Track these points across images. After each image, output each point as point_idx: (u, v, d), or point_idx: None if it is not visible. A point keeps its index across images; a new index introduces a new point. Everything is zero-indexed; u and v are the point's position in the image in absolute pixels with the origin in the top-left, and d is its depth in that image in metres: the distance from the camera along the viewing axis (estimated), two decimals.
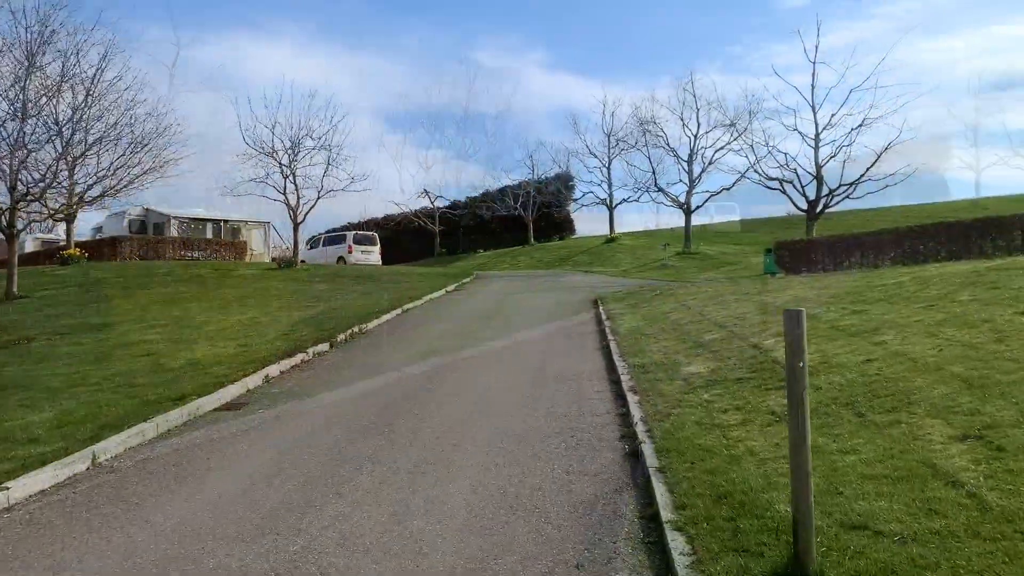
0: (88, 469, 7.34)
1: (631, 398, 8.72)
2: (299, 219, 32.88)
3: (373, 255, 41.06)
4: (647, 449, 6.65)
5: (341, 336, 15.39)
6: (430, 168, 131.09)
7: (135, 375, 12.00)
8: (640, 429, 7.32)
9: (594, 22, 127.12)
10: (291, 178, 32.37)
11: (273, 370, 12.08)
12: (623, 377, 10.00)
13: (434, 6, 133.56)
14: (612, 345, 12.85)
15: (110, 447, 7.84)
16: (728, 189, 41.51)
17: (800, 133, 32.68)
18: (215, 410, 9.78)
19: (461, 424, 8.35)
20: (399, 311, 19.82)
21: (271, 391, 10.83)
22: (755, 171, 34.75)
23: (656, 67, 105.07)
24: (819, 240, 24.70)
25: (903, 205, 50.59)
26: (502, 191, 59.04)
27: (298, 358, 13.14)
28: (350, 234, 42.21)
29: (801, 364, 4.19)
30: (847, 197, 31.84)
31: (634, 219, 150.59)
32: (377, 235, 43.24)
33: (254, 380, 11.33)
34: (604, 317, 16.78)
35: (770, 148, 33.53)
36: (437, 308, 20.78)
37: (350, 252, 40.37)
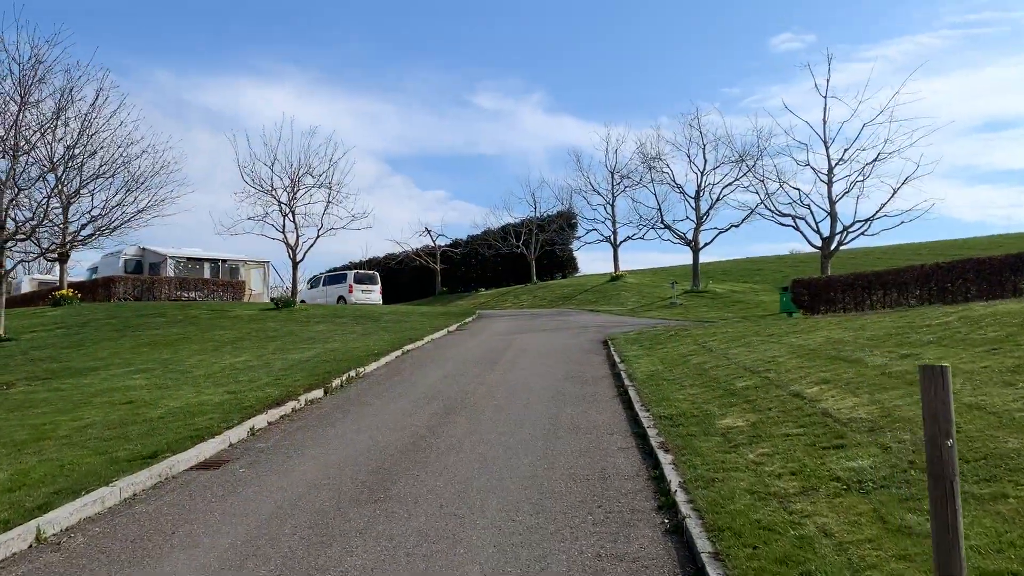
0: (30, 547, 6.22)
1: (663, 457, 7.61)
2: (298, 258, 31.97)
3: (374, 294, 40.09)
4: (693, 525, 5.54)
5: (336, 381, 14.29)
6: (432, 207, 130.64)
7: (110, 427, 10.93)
8: (681, 499, 6.21)
9: (592, 66, 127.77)
10: (290, 216, 31.53)
11: (260, 421, 10.98)
12: (649, 431, 8.89)
13: (436, 50, 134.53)
14: (631, 392, 11.75)
15: (61, 518, 6.72)
16: (737, 226, 40.60)
17: (813, 168, 31.87)
18: (190, 469, 8.68)
19: (467, 488, 7.24)
20: (399, 352, 18.74)
21: (256, 446, 9.72)
22: (766, 207, 33.81)
23: (655, 109, 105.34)
24: (838, 278, 23.68)
25: (911, 243, 49.72)
26: (504, 229, 58.24)
27: (289, 406, 12.04)
28: (351, 273, 41.28)
29: (950, 443, 3.09)
30: (862, 234, 30.96)
31: (637, 258, 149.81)
32: (378, 274, 42.29)
33: (238, 433, 10.23)
34: (618, 360, 15.69)
35: (782, 183, 32.64)
36: (439, 349, 19.69)
37: (351, 292, 39.40)
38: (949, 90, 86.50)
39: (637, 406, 10.66)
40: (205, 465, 8.87)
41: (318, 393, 13.25)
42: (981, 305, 13.78)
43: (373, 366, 16.52)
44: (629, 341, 18.83)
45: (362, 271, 42.99)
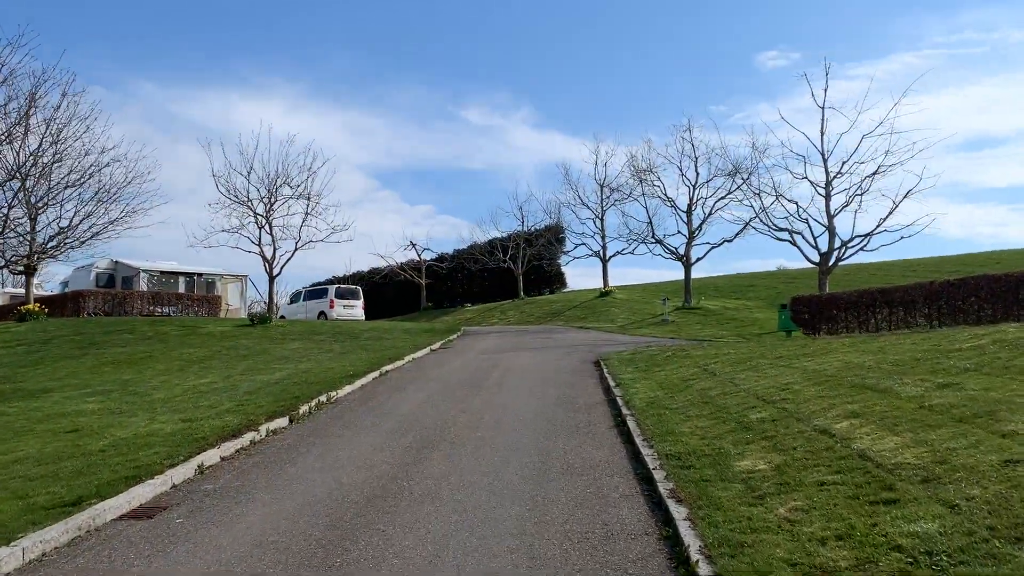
0: None
1: (676, 510, 6.38)
2: (275, 272, 30.64)
3: (356, 310, 38.76)
4: None
5: (305, 407, 13.01)
6: (419, 222, 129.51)
7: (42, 461, 9.66)
8: (704, 573, 4.98)
9: (579, 85, 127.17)
10: (267, 228, 30.19)
11: (212, 456, 9.69)
12: (656, 473, 7.68)
13: (425, 65, 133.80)
14: (630, 423, 10.54)
15: None
16: (730, 241, 39.55)
17: (810, 181, 30.84)
18: (119, 519, 7.39)
19: (442, 550, 5.99)
20: (376, 374, 17.46)
21: (202, 487, 8.44)
22: (762, 221, 32.75)
23: (643, 127, 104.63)
24: (841, 295, 22.59)
25: (905, 259, 48.89)
26: (491, 243, 57.05)
27: (247, 438, 10.75)
28: (332, 288, 39.93)
29: None
30: (861, 249, 29.94)
31: (626, 273, 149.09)
32: (360, 289, 40.97)
33: (183, 471, 8.94)
34: (612, 383, 14.48)
35: (778, 195, 31.60)
36: (420, 370, 18.42)
37: (332, 307, 38.06)
38: (934, 109, 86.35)
39: (638, 440, 9.44)
40: (137, 514, 7.57)
41: (282, 422, 11.97)
42: (1014, 327, 12.67)
43: (347, 390, 15.23)
44: (623, 362, 17.63)
45: (344, 286, 41.67)
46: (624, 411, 11.56)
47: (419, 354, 22.09)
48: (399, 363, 19.64)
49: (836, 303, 22.36)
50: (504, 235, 57.37)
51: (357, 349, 23.27)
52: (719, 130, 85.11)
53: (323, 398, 13.96)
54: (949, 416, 7.50)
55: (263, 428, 11.34)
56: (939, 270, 43.53)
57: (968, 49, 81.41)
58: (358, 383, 16.02)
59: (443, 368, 18.61)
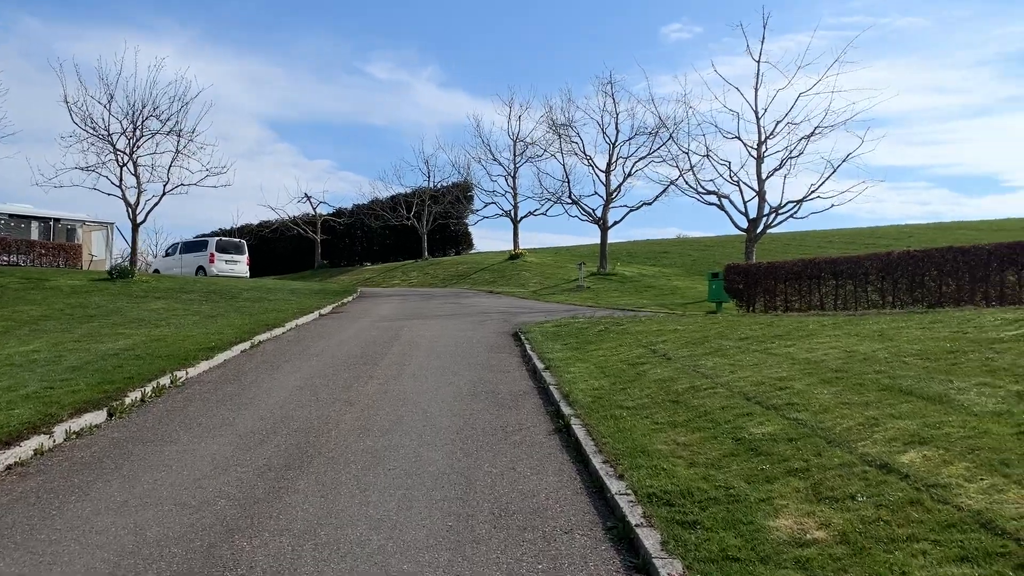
0: None
1: None
2: (139, 219, 26.38)
3: (240, 265, 34.77)
4: None
5: (135, 394, 9.68)
6: (319, 177, 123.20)
7: None
8: None
9: (486, 50, 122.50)
10: (129, 167, 25.86)
11: None
12: (645, 541, 4.87)
13: (328, 15, 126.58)
14: (578, 429, 7.74)
15: None
16: (650, 204, 37.28)
17: (742, 141, 28.65)
18: None
19: None
20: (247, 345, 14.12)
21: None
22: (686, 182, 30.44)
23: (558, 86, 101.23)
24: (783, 264, 20.41)
25: (817, 231, 48.07)
26: (394, 199, 53.23)
27: (29, 447, 7.42)
28: (212, 240, 35.72)
29: None
30: (791, 216, 28.05)
31: (536, 238, 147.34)
32: (245, 243, 36.86)
33: None
34: (540, 365, 11.69)
35: (708, 152, 29.28)
36: (302, 341, 15.15)
37: (212, 262, 33.96)
38: (825, 88, 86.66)
39: (596, 461, 6.65)
40: None
41: (95, 417, 8.64)
42: None
43: (203, 367, 11.89)
44: (547, 336, 14.85)
45: (226, 239, 37.48)
46: (564, 408, 8.76)
47: (304, 320, 18.73)
48: (278, 331, 16.29)
49: (777, 273, 20.19)
50: (408, 191, 53.75)
51: (231, 312, 19.68)
52: (648, 81, 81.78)
53: (166, 380, 10.63)
54: None
55: (61, 428, 8.01)
56: (854, 242, 42.69)
57: (856, 32, 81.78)
58: (220, 357, 12.67)
59: (331, 339, 15.39)
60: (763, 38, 28.76)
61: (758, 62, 28.32)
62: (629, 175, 37.50)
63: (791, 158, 27.72)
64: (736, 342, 11.43)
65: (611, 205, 37.68)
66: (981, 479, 4.86)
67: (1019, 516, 4.30)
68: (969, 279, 15.86)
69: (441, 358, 12.95)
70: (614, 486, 5.93)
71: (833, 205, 28.18)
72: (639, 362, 11.06)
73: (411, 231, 52.60)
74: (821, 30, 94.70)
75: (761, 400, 7.72)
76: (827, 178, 26.90)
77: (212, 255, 33.90)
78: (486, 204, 48.80)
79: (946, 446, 5.51)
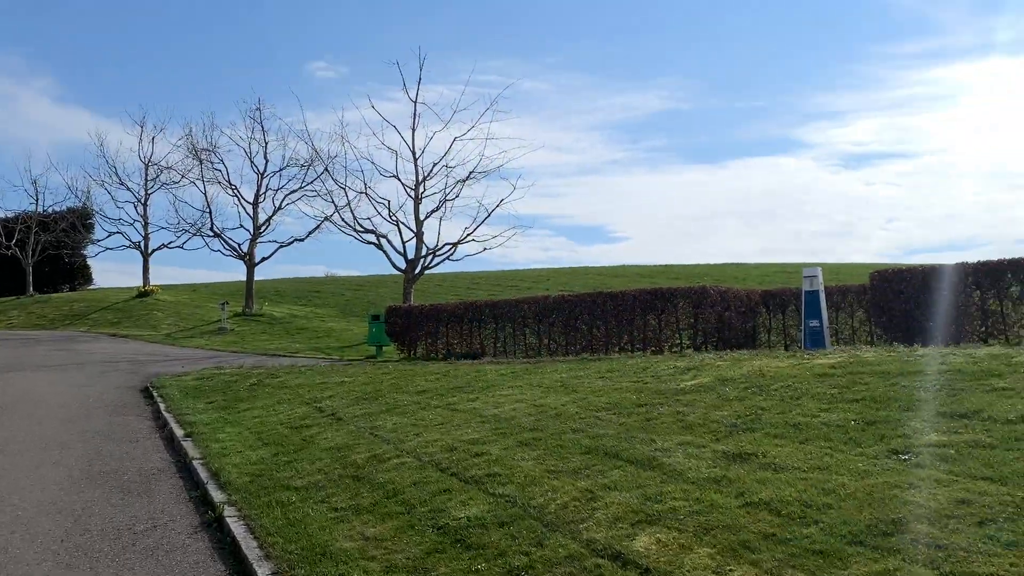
0: None
1: None
2: None
3: None
4: None
5: None
6: None
7: None
8: None
9: (112, 61, 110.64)
10: None
11: None
12: None
13: None
14: (234, 525, 6.05)
15: None
16: (302, 240, 35.36)
17: (400, 181, 28.22)
18: None
19: None
20: None
21: None
22: (343, 220, 29.22)
23: (191, 114, 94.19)
24: (445, 307, 20.06)
25: (465, 272, 49.88)
26: None
27: None
28: None
29: None
30: (447, 258, 28.21)
31: (169, 273, 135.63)
32: None
33: None
34: (180, 433, 9.61)
35: (367, 189, 28.31)
36: None
37: None
38: (479, 135, 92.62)
39: (263, 571, 5.08)
40: None
41: None
42: (711, 356, 10.79)
43: None
44: (188, 392, 12.61)
45: None
46: (214, 492, 6.98)
47: None
48: None
49: (439, 315, 19.78)
50: (9, 215, 45.62)
51: None
52: (303, 112, 78.34)
53: None
54: (790, 519, 4.61)
55: None
56: (499, 284, 44.83)
57: (490, 90, 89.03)
58: None
59: None
60: (419, 79, 28.80)
61: (415, 102, 28.33)
62: (279, 208, 35.43)
63: (448, 200, 27.99)
64: (414, 396, 10.40)
65: (259, 240, 35.20)
66: (730, 570, 4.24)
67: None
68: (616, 323, 16.69)
69: (44, 424, 10.19)
70: None
71: (485, 248, 28.74)
72: (304, 424, 9.51)
73: (13, 262, 44.58)
74: (458, 84, 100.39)
75: (458, 471, 6.69)
76: (482, 222, 27.56)
77: None
78: (110, 234, 42.89)
79: (677, 525, 4.88)
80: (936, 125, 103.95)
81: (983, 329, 12.87)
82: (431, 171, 27.83)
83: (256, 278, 36.30)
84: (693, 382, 8.59)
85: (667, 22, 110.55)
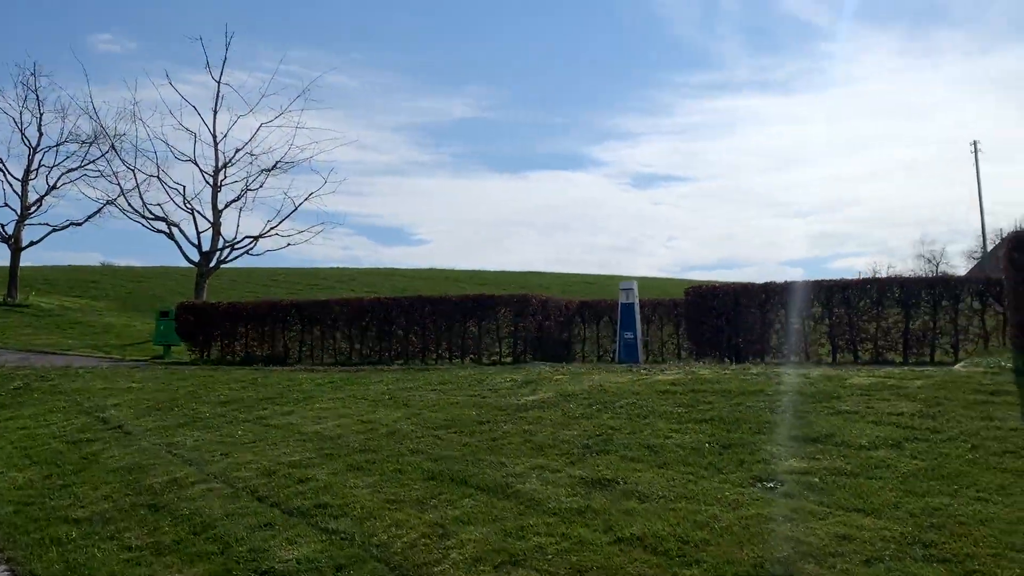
0: None
1: None
2: None
3: None
4: None
5: None
6: None
7: None
8: None
9: None
10: None
11: None
12: None
13: None
14: None
15: None
16: (79, 224, 31.60)
17: (197, 166, 25.88)
18: None
19: None
20: None
21: None
22: (130, 204, 26.35)
23: None
24: (245, 306, 18.41)
25: (267, 268, 47.24)
26: None
27: None
28: None
29: None
30: (247, 252, 26.21)
31: None
32: None
33: None
34: None
35: (160, 171, 25.71)
36: None
37: None
38: (289, 123, 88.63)
39: None
40: None
41: None
42: (547, 369, 10.25)
43: None
44: None
45: None
46: None
47: None
48: None
49: (238, 314, 18.20)
50: None
51: None
52: (88, 83, 69.53)
53: None
54: (703, 563, 4.22)
55: None
56: (300, 282, 42.75)
57: (295, 80, 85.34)
58: None
59: None
60: (225, 58, 26.60)
61: (219, 82, 26.17)
62: (54, 187, 31.56)
63: (250, 190, 26.08)
64: (218, 407, 9.21)
65: (27, 221, 31.20)
66: None
67: None
68: (435, 329, 16.09)
69: None
70: None
71: (290, 244, 26.98)
72: (85, 439, 8.11)
73: None
74: (260, 72, 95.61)
75: (280, 501, 5.80)
76: (288, 215, 25.88)
77: None
78: None
79: (548, 567, 4.37)
80: (715, 152, 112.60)
81: (785, 346, 13.55)
82: (233, 158, 25.86)
83: (22, 264, 32.17)
84: (534, 397, 8.17)
85: (475, 29, 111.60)
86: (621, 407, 7.39)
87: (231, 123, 26.37)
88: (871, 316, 13.17)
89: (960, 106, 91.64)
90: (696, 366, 10.25)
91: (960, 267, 52.31)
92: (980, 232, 49.09)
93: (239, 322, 18.24)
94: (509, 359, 15.57)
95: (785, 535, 4.41)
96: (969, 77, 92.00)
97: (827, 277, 13.73)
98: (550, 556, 4.49)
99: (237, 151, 26.05)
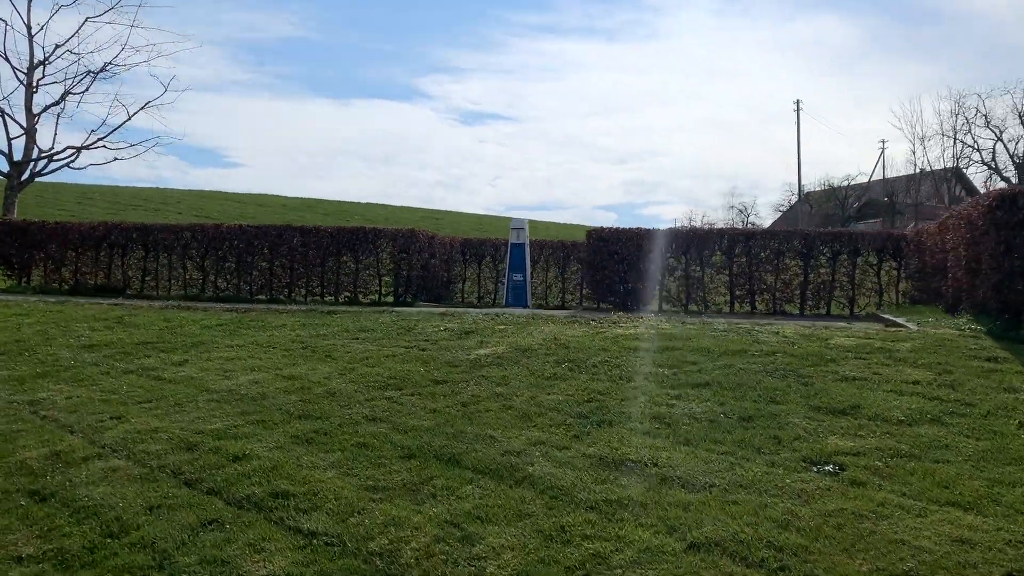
0: None
1: None
2: None
3: None
4: None
5: None
6: None
7: None
8: None
9: None
10: None
11: None
12: None
13: None
14: None
15: None
16: None
17: (8, 61, 21.94)
18: None
19: None
20: None
21: None
22: None
23: None
24: (77, 227, 15.64)
25: (78, 185, 42.31)
26: None
27: None
28: None
29: None
30: (68, 165, 22.78)
31: None
32: None
33: None
34: None
35: None
36: None
37: None
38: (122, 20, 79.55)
39: None
40: None
41: None
42: (480, 315, 8.93)
43: None
44: None
45: None
46: None
47: None
48: None
49: (68, 236, 15.65)
50: None
51: None
52: None
53: None
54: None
55: None
56: (118, 202, 38.64)
57: None
58: None
59: None
60: None
61: None
62: None
63: (72, 94, 22.62)
64: (83, 353, 7.47)
65: None
66: None
67: None
68: (304, 263, 14.50)
69: None
70: None
71: (117, 159, 23.74)
72: None
73: None
74: None
75: (218, 488, 4.50)
76: (121, 124, 22.80)
77: None
78: None
79: None
80: (541, 96, 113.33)
81: (687, 295, 13.24)
82: (53, 54, 22.23)
83: None
84: (484, 351, 7.13)
85: None
86: (596, 366, 6.54)
87: (52, 12, 22.65)
88: (772, 267, 13.12)
89: (772, 71, 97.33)
90: (652, 318, 9.54)
91: (767, 218, 56.45)
92: (789, 186, 52.91)
93: (68, 246, 15.74)
94: (390, 298, 14.37)
95: (891, 538, 3.74)
96: (779, 42, 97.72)
97: (677, 226, 13.59)
98: (618, 571, 3.58)
99: (57, 47, 22.41)
